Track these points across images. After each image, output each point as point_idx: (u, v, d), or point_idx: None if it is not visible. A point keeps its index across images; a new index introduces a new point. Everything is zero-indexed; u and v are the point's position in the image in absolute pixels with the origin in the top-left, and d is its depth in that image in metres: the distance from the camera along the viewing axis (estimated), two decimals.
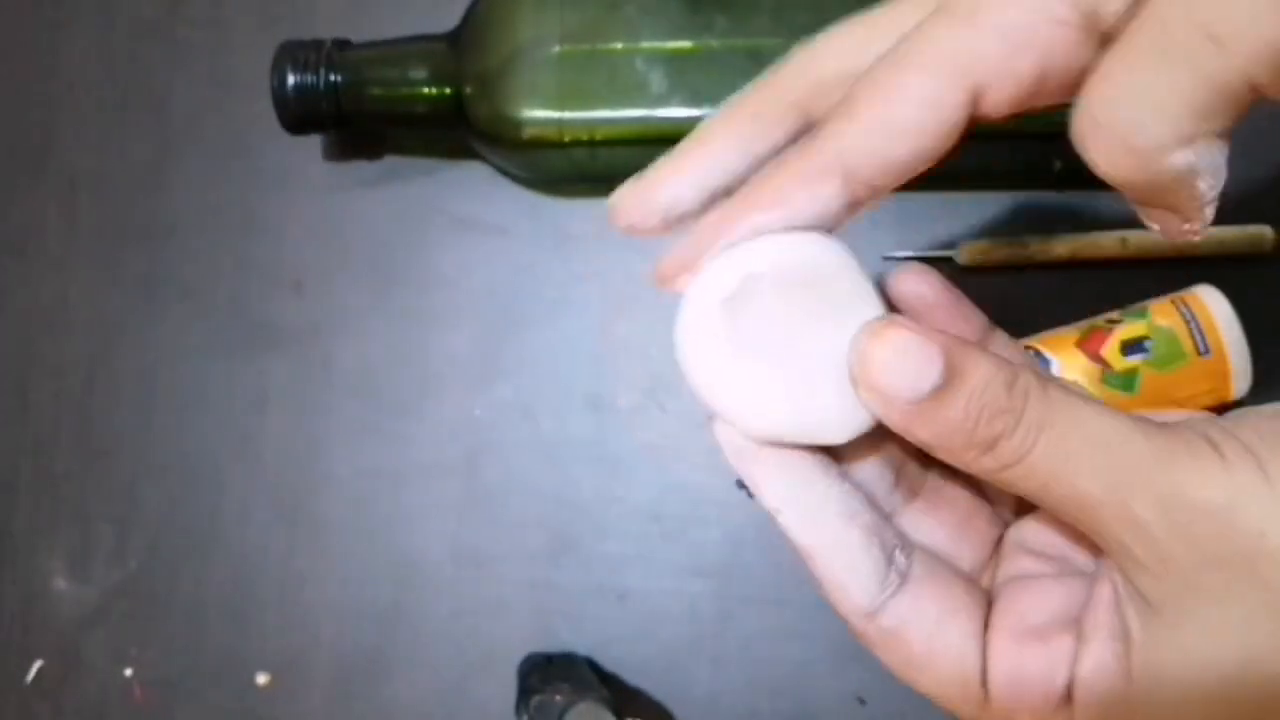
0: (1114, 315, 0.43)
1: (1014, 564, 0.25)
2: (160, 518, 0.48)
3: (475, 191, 0.48)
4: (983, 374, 0.21)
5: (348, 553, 0.47)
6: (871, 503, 0.25)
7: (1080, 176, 0.48)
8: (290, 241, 0.49)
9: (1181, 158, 0.21)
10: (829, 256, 0.24)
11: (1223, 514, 0.20)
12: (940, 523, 0.26)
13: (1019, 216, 0.46)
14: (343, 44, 0.45)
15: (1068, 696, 0.22)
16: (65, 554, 0.48)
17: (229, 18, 0.50)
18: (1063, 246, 0.45)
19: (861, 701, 0.45)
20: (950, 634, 0.23)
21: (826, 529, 0.24)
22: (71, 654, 0.48)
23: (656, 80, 0.42)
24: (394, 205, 0.49)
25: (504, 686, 0.45)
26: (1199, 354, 0.42)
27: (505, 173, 0.47)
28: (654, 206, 0.26)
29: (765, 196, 0.24)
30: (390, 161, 0.49)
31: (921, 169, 0.23)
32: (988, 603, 0.24)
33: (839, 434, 0.24)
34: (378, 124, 0.46)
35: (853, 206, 0.24)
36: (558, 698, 0.40)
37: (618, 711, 0.39)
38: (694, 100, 0.41)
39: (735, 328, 0.24)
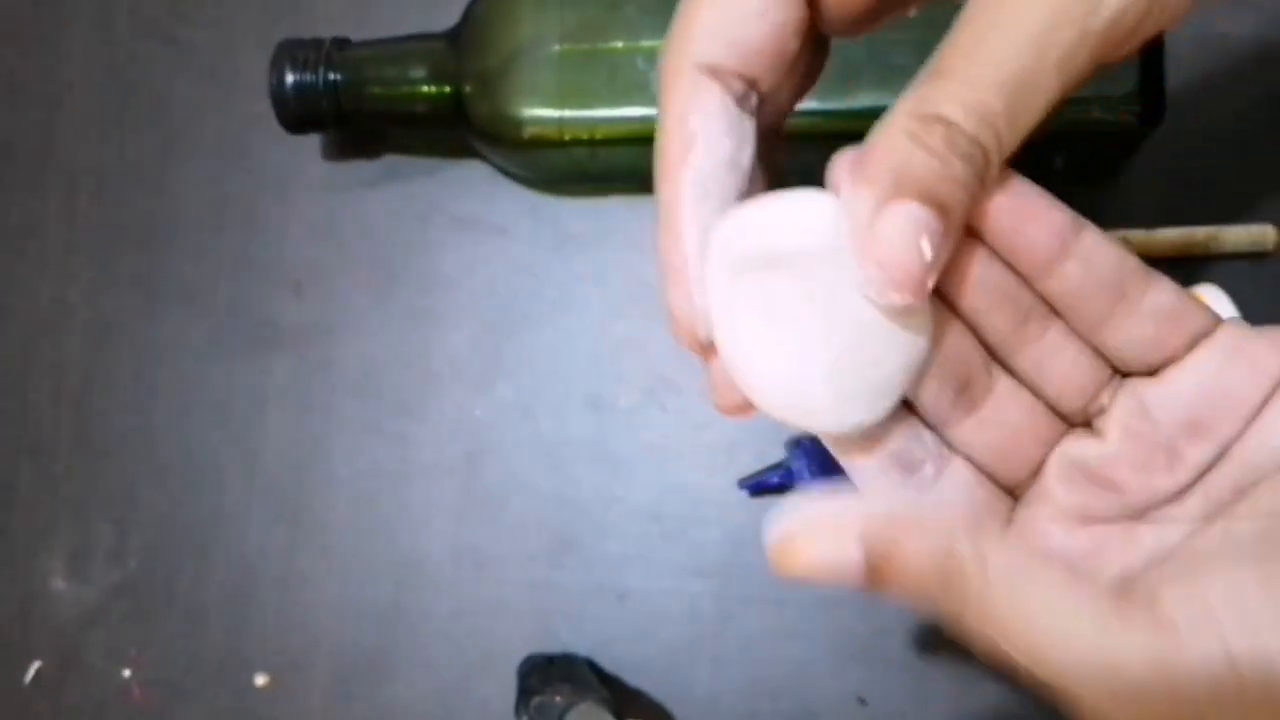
0: None
1: (1038, 494, 0.25)
2: (160, 518, 0.48)
3: (475, 191, 0.48)
4: (910, 563, 0.20)
5: (348, 553, 0.47)
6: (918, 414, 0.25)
7: (1080, 176, 0.48)
8: (290, 241, 0.49)
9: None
10: (827, 221, 0.23)
11: (1164, 699, 0.19)
12: (988, 442, 0.25)
13: None
14: (342, 43, 0.45)
15: None
16: (64, 554, 0.48)
17: (229, 17, 0.50)
18: None
19: (862, 702, 0.45)
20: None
21: (848, 446, 0.25)
22: (70, 654, 0.48)
23: (657, 79, 0.41)
24: (394, 205, 0.49)
25: (504, 687, 0.45)
26: None
27: (505, 172, 0.47)
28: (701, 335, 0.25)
29: (672, 157, 0.24)
30: (390, 161, 0.49)
31: (784, 55, 0.24)
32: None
33: (832, 426, 0.24)
34: (377, 123, 0.46)
35: (744, 104, 0.24)
36: (558, 698, 0.40)
37: (618, 712, 0.39)
38: None
39: (736, 305, 0.24)
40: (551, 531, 0.47)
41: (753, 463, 0.46)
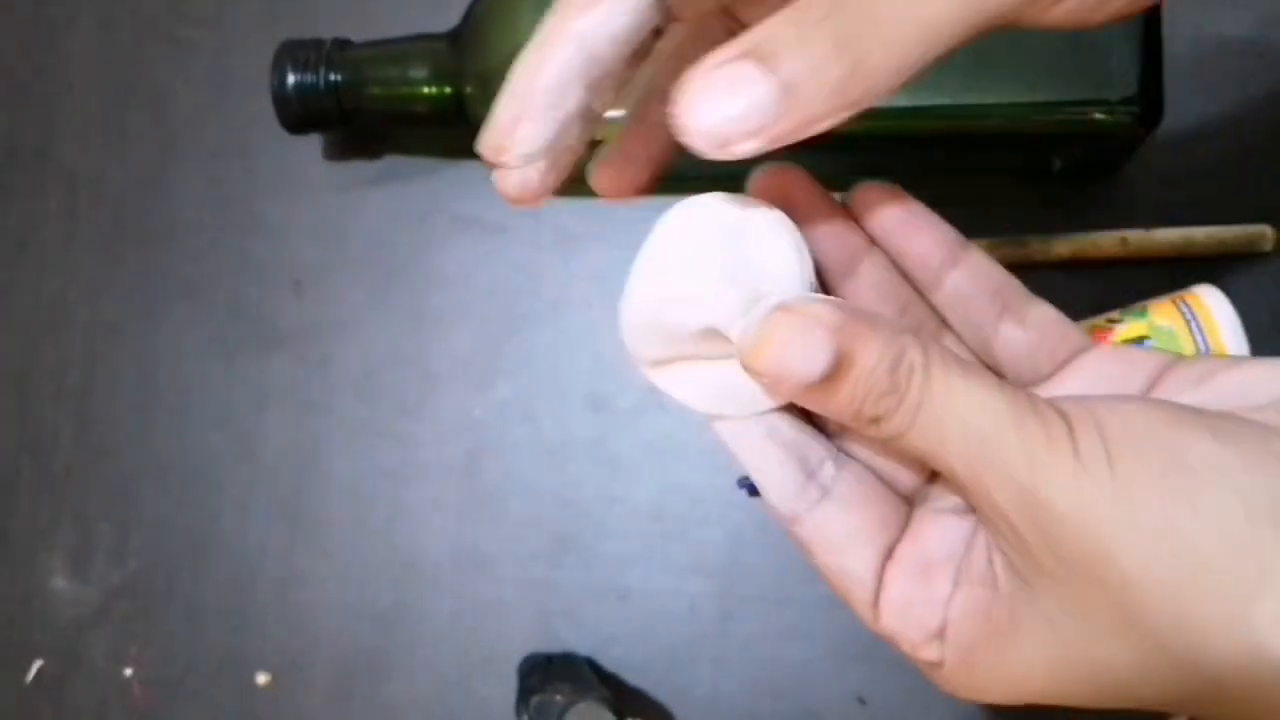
0: (1114, 315, 0.43)
1: (935, 492, 0.26)
2: (160, 517, 0.48)
3: (475, 191, 0.48)
4: (869, 358, 0.22)
5: (348, 553, 0.47)
6: (805, 420, 0.26)
7: (1080, 176, 0.48)
8: (290, 241, 0.49)
9: (888, 89, 0.21)
10: (755, 224, 0.24)
11: (1072, 521, 0.20)
12: (880, 453, 0.26)
13: (1019, 216, 0.46)
14: (343, 43, 0.45)
15: (943, 632, 0.24)
16: (65, 553, 0.48)
17: (229, 17, 0.50)
18: (1063, 246, 0.45)
19: (862, 701, 0.45)
20: (853, 556, 0.25)
21: (751, 441, 0.25)
22: (71, 654, 0.48)
23: None
24: (394, 205, 0.49)
25: (504, 686, 0.45)
26: (1199, 353, 0.42)
27: None
28: (514, 155, 0.26)
29: (570, 8, 0.24)
30: (390, 161, 0.49)
31: None
32: (904, 527, 0.25)
33: (751, 409, 0.25)
34: (378, 123, 0.46)
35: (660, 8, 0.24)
36: (558, 697, 0.40)
37: (618, 711, 0.39)
38: None
39: (662, 299, 0.25)
40: (552, 531, 0.47)
41: None
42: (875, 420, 0.22)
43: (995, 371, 0.26)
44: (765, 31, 0.21)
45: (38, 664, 0.48)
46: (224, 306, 0.49)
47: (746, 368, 0.23)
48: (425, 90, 0.44)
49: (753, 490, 0.46)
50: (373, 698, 0.47)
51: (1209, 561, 0.19)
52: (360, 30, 0.46)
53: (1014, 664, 0.22)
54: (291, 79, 0.44)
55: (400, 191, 0.49)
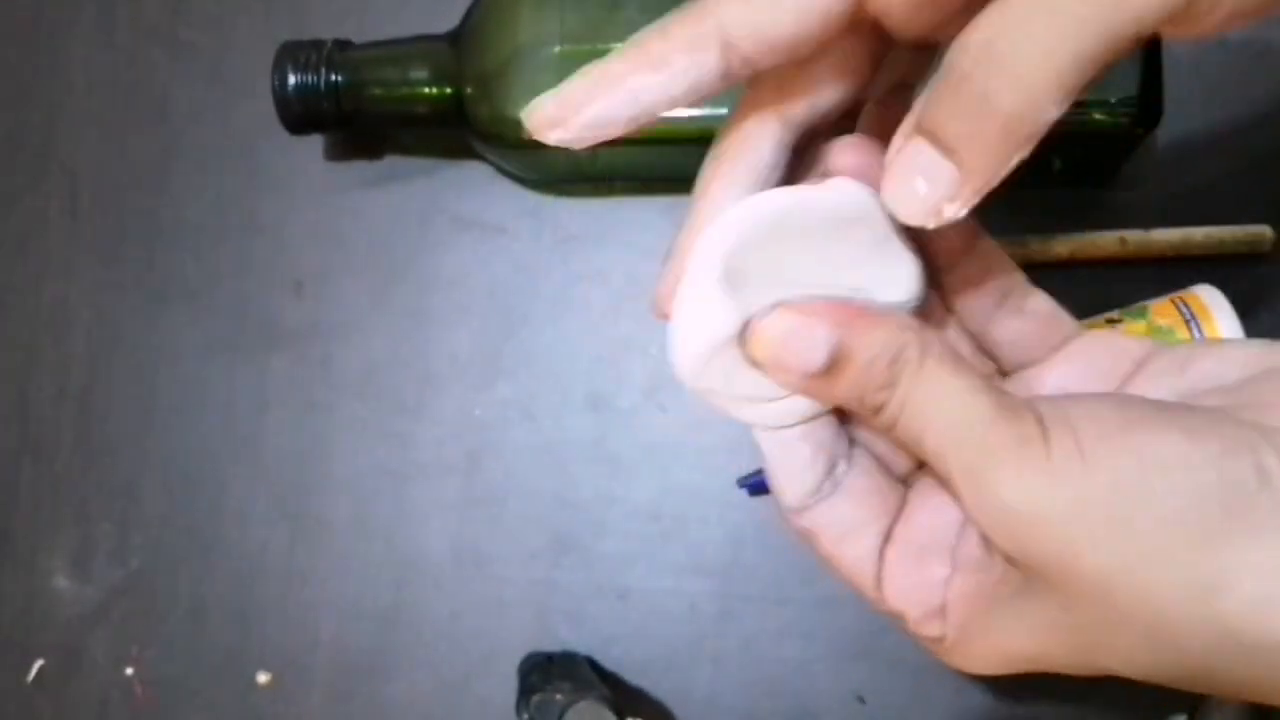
0: (1114, 315, 0.43)
1: (927, 475, 0.26)
2: (161, 517, 0.48)
3: (475, 191, 0.48)
4: (868, 352, 0.23)
5: (348, 552, 0.47)
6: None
7: (1080, 177, 0.48)
8: (291, 241, 0.49)
9: (1050, 115, 0.21)
10: (845, 207, 0.24)
11: (1035, 523, 0.21)
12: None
13: (1019, 216, 0.46)
14: (343, 44, 0.45)
15: (943, 610, 0.25)
16: (66, 553, 0.48)
17: (230, 18, 0.50)
18: (1063, 246, 0.45)
19: (861, 700, 0.45)
20: (855, 545, 0.25)
21: (785, 442, 0.26)
22: (73, 653, 0.48)
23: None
24: (394, 205, 0.49)
25: (504, 685, 0.45)
26: None
27: (505, 173, 0.47)
28: (576, 124, 0.26)
29: (644, 59, 0.24)
30: (390, 161, 0.49)
31: (803, 53, 0.24)
32: (900, 509, 0.26)
33: (794, 419, 0.25)
34: (378, 124, 0.46)
35: (726, 79, 0.24)
36: (558, 696, 0.40)
37: (618, 710, 0.39)
38: None
39: (728, 305, 0.24)
40: (552, 531, 0.47)
41: (752, 462, 0.46)
42: (875, 410, 0.23)
43: (991, 356, 0.27)
44: (927, 106, 0.22)
45: (39, 663, 0.48)
46: (225, 307, 0.49)
47: (749, 357, 0.24)
48: (425, 91, 0.44)
49: (753, 490, 0.46)
50: (373, 696, 0.47)
51: (1176, 557, 0.20)
52: (361, 32, 0.46)
53: (1006, 638, 0.23)
54: (292, 80, 0.44)
55: (401, 192, 0.49)
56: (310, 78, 0.44)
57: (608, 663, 0.46)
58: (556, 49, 0.42)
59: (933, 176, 0.22)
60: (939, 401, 0.22)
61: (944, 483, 0.23)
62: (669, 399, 0.47)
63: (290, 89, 0.44)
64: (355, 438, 0.48)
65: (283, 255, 0.49)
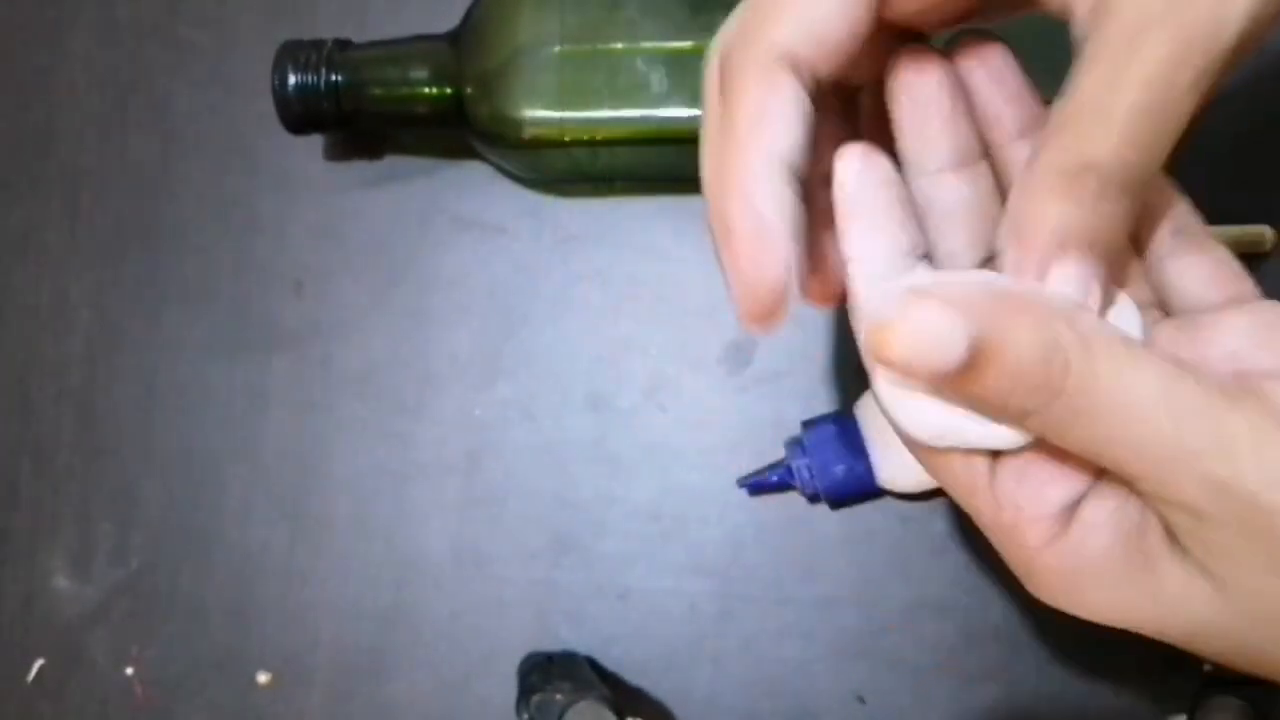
0: None
1: None
2: (161, 517, 0.48)
3: (475, 191, 0.48)
4: (1017, 350, 0.20)
5: (348, 552, 0.47)
6: None
7: None
8: (291, 241, 0.49)
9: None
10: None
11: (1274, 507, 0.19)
12: None
13: None
14: (344, 44, 0.45)
15: (1069, 518, 0.22)
16: (66, 553, 0.48)
17: (230, 18, 0.50)
18: None
19: (861, 700, 0.45)
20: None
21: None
22: (73, 653, 0.48)
23: (657, 80, 0.42)
24: (394, 205, 0.49)
25: (504, 685, 0.45)
26: None
27: (506, 173, 0.47)
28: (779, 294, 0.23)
29: (742, 122, 0.23)
30: (391, 161, 0.49)
31: (855, 43, 0.23)
32: None
33: (984, 443, 0.23)
34: (378, 124, 0.46)
35: (817, 100, 0.24)
36: (558, 696, 0.40)
37: (618, 710, 0.40)
38: (695, 100, 0.41)
39: None
40: (552, 531, 0.47)
41: (752, 462, 0.46)
42: (1024, 415, 0.20)
43: (1159, 293, 0.25)
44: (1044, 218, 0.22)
45: (39, 663, 0.48)
46: (225, 306, 0.49)
47: (871, 356, 0.21)
48: (425, 91, 0.44)
49: (753, 490, 0.46)
50: (373, 696, 0.47)
51: None
52: (361, 32, 0.46)
53: (1134, 597, 0.22)
54: (292, 80, 0.44)
55: (401, 192, 0.49)
56: (310, 78, 0.44)
57: (608, 663, 0.46)
58: (557, 49, 0.42)
59: (1087, 286, 0.22)
60: (1127, 401, 0.20)
61: (1134, 479, 0.21)
62: (669, 399, 0.47)
63: (290, 89, 0.44)
64: (355, 437, 0.48)
65: (283, 255, 0.49)
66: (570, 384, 0.47)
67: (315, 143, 0.49)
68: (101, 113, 0.50)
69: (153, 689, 0.48)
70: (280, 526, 0.48)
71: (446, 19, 0.44)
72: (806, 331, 0.46)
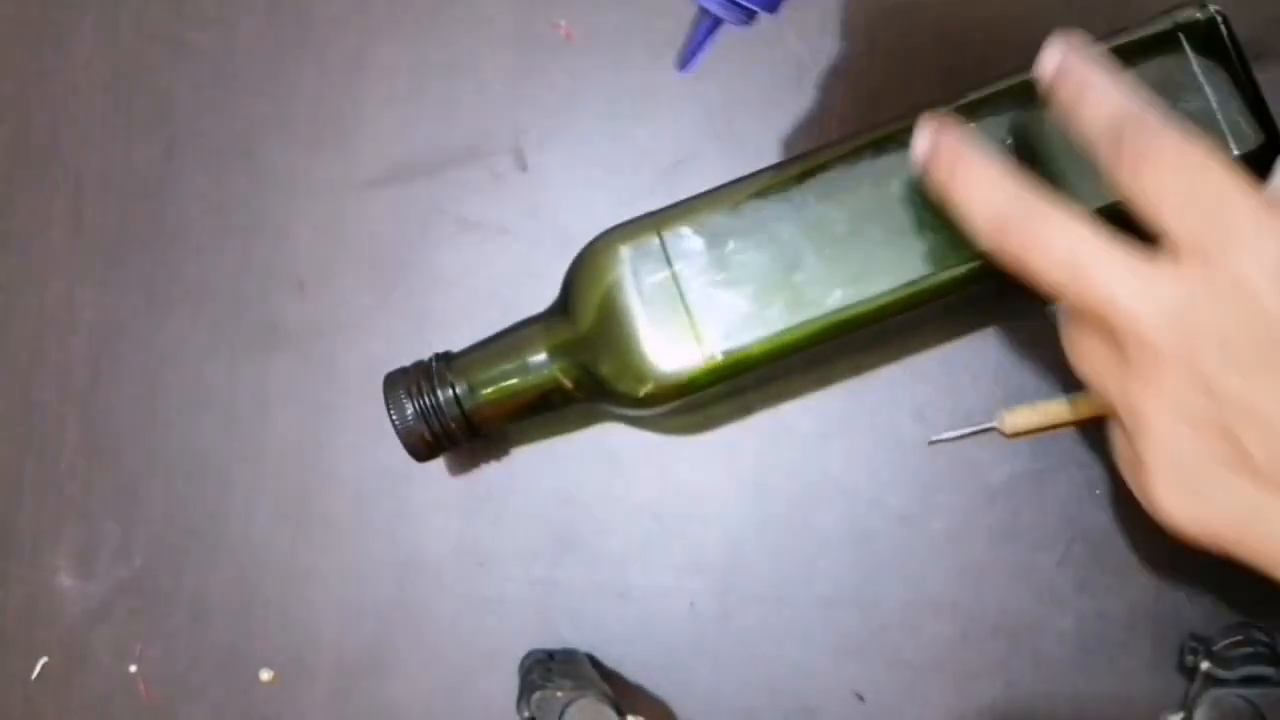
0: None
1: None
2: (164, 515, 0.49)
3: (478, 193, 0.48)
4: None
5: (351, 551, 0.48)
6: None
7: None
8: (293, 241, 0.49)
9: None
10: None
11: None
12: None
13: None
14: (445, 356, 0.43)
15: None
16: (70, 551, 0.49)
17: (233, 20, 0.50)
18: None
19: (860, 698, 0.45)
20: None
21: None
22: (76, 651, 0.48)
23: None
24: (396, 206, 0.49)
25: (506, 683, 0.45)
26: None
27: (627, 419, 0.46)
28: None
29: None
30: (393, 162, 0.49)
31: None
32: None
33: None
34: (507, 423, 0.43)
35: None
36: (559, 694, 0.40)
37: (619, 707, 0.40)
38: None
39: None
40: (553, 529, 0.47)
41: (752, 461, 0.46)
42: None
43: None
44: None
45: (43, 661, 0.48)
46: (228, 306, 0.49)
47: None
48: (548, 373, 0.42)
49: (690, 58, 0.37)
50: (375, 694, 0.47)
51: None
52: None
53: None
54: (409, 408, 0.41)
55: (403, 192, 0.49)
56: (428, 400, 0.41)
57: (608, 660, 0.46)
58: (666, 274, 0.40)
59: None
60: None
61: None
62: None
63: (410, 418, 0.41)
64: (358, 436, 0.48)
65: (285, 255, 0.49)
66: None
67: (316, 143, 0.49)
68: (105, 113, 0.50)
69: (156, 687, 0.48)
70: (283, 525, 0.48)
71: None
72: None
